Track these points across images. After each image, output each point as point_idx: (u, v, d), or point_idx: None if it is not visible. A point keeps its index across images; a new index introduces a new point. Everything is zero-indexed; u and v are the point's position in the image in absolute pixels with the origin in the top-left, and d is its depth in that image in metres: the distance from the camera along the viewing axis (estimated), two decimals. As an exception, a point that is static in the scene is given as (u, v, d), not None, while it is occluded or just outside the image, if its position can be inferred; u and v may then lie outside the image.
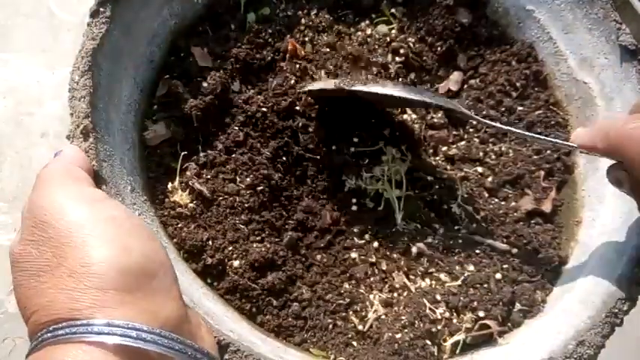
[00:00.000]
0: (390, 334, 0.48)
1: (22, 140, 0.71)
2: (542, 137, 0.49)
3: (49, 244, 0.31)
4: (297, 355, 0.46)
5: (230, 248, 0.50)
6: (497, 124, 0.50)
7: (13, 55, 0.75)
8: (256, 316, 0.48)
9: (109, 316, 0.29)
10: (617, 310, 0.43)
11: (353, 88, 0.50)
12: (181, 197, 0.51)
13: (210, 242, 0.49)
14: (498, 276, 0.51)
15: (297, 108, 0.55)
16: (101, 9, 0.47)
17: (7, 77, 0.74)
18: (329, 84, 0.53)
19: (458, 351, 0.48)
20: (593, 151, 0.43)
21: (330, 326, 0.49)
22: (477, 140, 0.58)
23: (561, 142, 0.47)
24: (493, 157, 0.57)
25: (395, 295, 0.51)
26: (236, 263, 0.49)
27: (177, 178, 0.52)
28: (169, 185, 0.52)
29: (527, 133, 0.49)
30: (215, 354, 0.36)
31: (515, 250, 0.53)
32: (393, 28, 0.61)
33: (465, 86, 0.60)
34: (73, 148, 0.41)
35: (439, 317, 0.49)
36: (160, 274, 0.32)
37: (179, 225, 0.50)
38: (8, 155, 0.70)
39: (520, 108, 0.58)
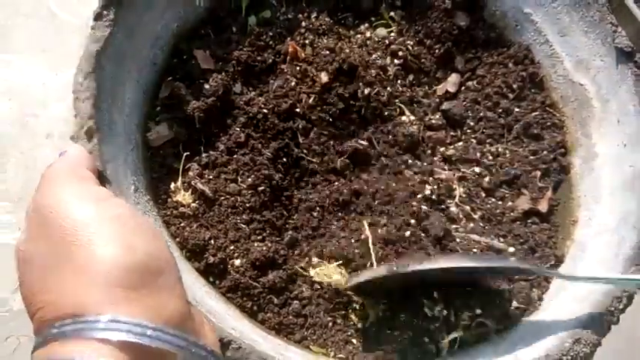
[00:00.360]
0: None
1: (27, 141, 0.71)
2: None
3: (55, 242, 0.31)
4: (297, 353, 0.47)
5: (232, 247, 0.50)
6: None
7: (15, 57, 0.75)
8: (257, 314, 0.49)
9: (114, 312, 0.29)
10: (613, 309, 0.44)
11: (410, 270, 0.45)
12: (184, 197, 0.51)
13: (212, 241, 0.50)
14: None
15: (298, 110, 0.56)
16: (105, 12, 0.48)
17: (10, 78, 0.74)
18: (379, 272, 0.47)
19: (455, 349, 0.49)
20: None
21: (330, 324, 0.50)
22: (474, 141, 0.59)
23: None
24: (490, 157, 0.58)
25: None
26: (237, 262, 0.50)
27: (180, 179, 0.52)
28: (172, 185, 0.52)
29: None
30: (218, 351, 0.36)
31: (511, 249, 0.53)
32: (391, 31, 0.61)
33: (463, 88, 0.61)
34: (77, 147, 0.41)
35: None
36: (165, 271, 0.33)
37: (181, 224, 0.51)
38: (13, 156, 0.70)
39: (517, 109, 0.59)
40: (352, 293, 0.50)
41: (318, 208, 0.54)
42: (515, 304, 0.50)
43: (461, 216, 0.55)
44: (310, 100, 0.56)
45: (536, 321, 0.49)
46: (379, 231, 0.52)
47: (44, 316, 0.30)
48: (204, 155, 0.53)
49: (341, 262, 0.51)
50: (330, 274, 0.51)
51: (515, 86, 0.59)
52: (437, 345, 0.49)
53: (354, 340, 0.50)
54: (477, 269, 0.46)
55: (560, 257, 0.52)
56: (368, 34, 0.61)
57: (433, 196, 0.55)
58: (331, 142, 0.57)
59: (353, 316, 0.51)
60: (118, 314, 0.29)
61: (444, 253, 0.51)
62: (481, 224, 0.55)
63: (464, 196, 0.55)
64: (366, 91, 0.57)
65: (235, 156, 0.54)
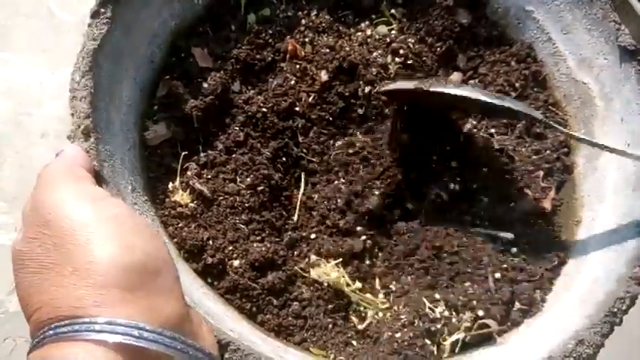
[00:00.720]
0: (390, 334, 0.48)
1: (22, 140, 0.71)
2: None
3: (53, 242, 0.31)
4: (297, 355, 0.46)
5: (230, 248, 0.50)
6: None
7: (13, 56, 0.75)
8: (256, 315, 0.49)
9: (111, 314, 0.29)
10: (616, 310, 0.43)
11: (434, 89, 0.50)
12: (182, 197, 0.51)
13: (210, 242, 0.50)
14: (497, 275, 0.51)
15: (297, 109, 0.55)
16: (102, 9, 0.47)
17: (6, 77, 0.74)
18: (408, 84, 0.54)
19: (457, 350, 0.48)
20: None
21: (330, 325, 0.49)
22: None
23: None
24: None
25: (393, 296, 0.51)
26: (236, 263, 0.49)
27: (178, 178, 0.52)
28: (170, 185, 0.52)
29: None
30: (216, 353, 0.36)
31: (514, 250, 0.53)
32: (392, 29, 0.61)
33: (465, 86, 0.60)
34: (74, 147, 0.41)
35: (438, 316, 0.49)
36: (163, 272, 0.32)
37: (179, 225, 0.50)
38: (8, 155, 0.70)
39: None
40: (383, 96, 0.56)
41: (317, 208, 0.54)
42: (517, 305, 0.50)
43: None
44: (310, 99, 0.56)
45: (539, 322, 0.49)
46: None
47: (41, 317, 0.30)
48: (202, 155, 0.53)
49: (340, 260, 0.51)
50: (328, 272, 0.50)
51: (517, 85, 0.59)
52: (438, 346, 0.48)
53: (354, 342, 0.49)
54: (495, 106, 0.49)
55: (563, 258, 0.52)
56: (369, 32, 0.60)
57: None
58: (331, 142, 0.56)
59: (353, 318, 0.50)
60: (115, 316, 0.29)
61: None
62: (486, 223, 0.54)
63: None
64: (367, 89, 0.57)
65: (234, 155, 0.53)
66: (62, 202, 0.33)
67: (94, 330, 0.28)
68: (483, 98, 0.49)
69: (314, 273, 0.50)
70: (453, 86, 0.51)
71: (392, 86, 0.55)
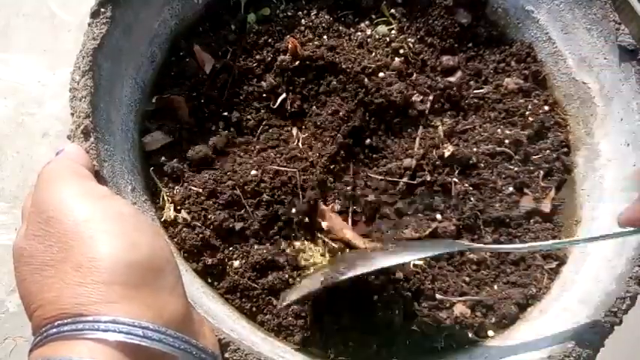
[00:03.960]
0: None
1: (23, 140, 0.71)
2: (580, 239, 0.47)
3: (56, 240, 0.31)
4: (296, 354, 0.46)
5: (230, 249, 0.50)
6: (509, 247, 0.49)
7: (13, 56, 0.75)
8: (256, 315, 0.49)
9: (114, 311, 0.28)
10: (616, 310, 0.43)
11: (344, 278, 0.42)
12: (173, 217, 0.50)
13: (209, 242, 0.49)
14: (497, 275, 0.51)
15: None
16: (102, 9, 0.47)
17: (7, 77, 0.74)
18: (314, 284, 0.44)
19: (457, 350, 0.48)
20: None
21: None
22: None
23: (620, 233, 0.42)
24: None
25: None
26: (236, 263, 0.49)
27: (167, 205, 0.50)
28: (165, 192, 0.51)
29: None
30: (217, 353, 0.36)
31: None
32: (392, 29, 0.61)
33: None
34: (74, 146, 0.41)
35: (440, 317, 0.49)
36: (166, 270, 0.32)
37: (179, 225, 0.50)
38: (9, 155, 0.70)
39: (519, 108, 0.58)
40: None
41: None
42: (517, 305, 0.50)
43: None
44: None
45: (538, 322, 0.48)
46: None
47: (43, 314, 0.30)
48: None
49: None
50: (314, 255, 0.50)
51: (517, 85, 0.58)
52: (438, 346, 0.48)
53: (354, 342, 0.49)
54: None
55: (563, 257, 0.52)
56: (368, 32, 0.60)
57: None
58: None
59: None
60: (119, 314, 0.28)
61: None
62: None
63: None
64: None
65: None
66: (65, 199, 0.33)
67: (97, 329, 0.28)
68: (402, 260, 0.43)
69: (301, 260, 0.50)
70: (366, 261, 0.43)
71: (294, 296, 0.45)
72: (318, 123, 0.55)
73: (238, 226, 0.50)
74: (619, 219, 0.41)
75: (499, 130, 0.57)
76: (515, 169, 0.55)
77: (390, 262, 0.43)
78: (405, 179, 0.54)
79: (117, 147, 0.47)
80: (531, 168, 0.56)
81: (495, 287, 0.51)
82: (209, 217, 0.50)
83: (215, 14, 0.59)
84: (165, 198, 0.50)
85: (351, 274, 0.42)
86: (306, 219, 0.51)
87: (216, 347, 0.37)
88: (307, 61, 0.56)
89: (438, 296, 0.50)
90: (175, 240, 0.49)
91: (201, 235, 0.49)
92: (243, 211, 0.51)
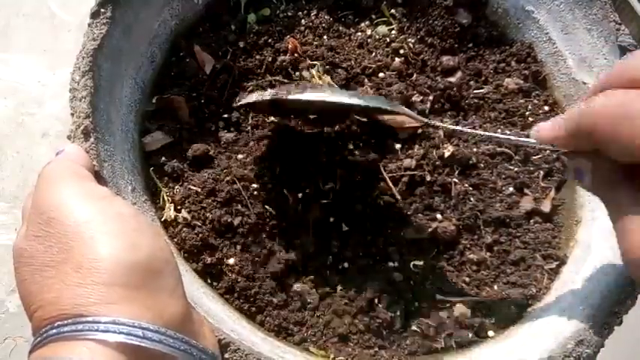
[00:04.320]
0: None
1: (23, 140, 0.71)
2: (502, 135, 0.46)
3: (56, 240, 0.31)
4: (296, 354, 0.46)
5: (226, 242, 0.50)
6: (458, 127, 0.47)
7: (13, 56, 0.75)
8: (256, 315, 0.49)
9: (114, 312, 0.29)
10: (616, 309, 0.43)
11: (291, 97, 0.43)
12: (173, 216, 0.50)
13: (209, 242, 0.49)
14: (498, 275, 0.51)
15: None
16: (102, 10, 0.47)
17: (7, 77, 0.74)
18: (264, 94, 0.47)
19: (457, 350, 0.48)
20: (556, 142, 0.37)
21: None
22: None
23: (523, 140, 0.41)
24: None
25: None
26: (231, 261, 0.49)
27: (167, 205, 0.50)
28: (166, 193, 0.51)
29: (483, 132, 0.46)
30: (218, 353, 0.36)
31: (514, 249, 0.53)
32: (392, 29, 0.61)
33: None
34: (74, 146, 0.41)
35: (441, 315, 0.49)
36: (166, 272, 0.32)
37: (179, 226, 0.50)
38: (9, 155, 0.70)
39: (519, 108, 0.58)
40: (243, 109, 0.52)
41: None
42: (517, 305, 0.50)
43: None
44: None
45: (538, 322, 0.48)
46: None
47: (43, 315, 0.30)
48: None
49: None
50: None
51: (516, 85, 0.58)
52: (438, 346, 0.48)
53: (354, 342, 0.49)
54: (360, 107, 0.44)
55: (564, 257, 0.52)
56: (368, 32, 0.60)
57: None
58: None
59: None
60: (119, 315, 0.29)
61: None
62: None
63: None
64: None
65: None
66: (65, 200, 0.33)
67: (98, 330, 0.28)
68: (346, 100, 0.43)
69: None
70: (316, 90, 0.44)
71: (247, 99, 0.49)
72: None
73: (237, 221, 0.50)
74: (532, 133, 0.39)
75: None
76: (515, 169, 0.56)
77: (338, 99, 0.43)
78: (405, 179, 0.54)
79: (117, 147, 0.47)
80: (531, 168, 0.56)
81: (495, 287, 0.51)
82: (208, 215, 0.50)
83: (215, 14, 0.59)
84: (166, 198, 0.50)
85: (298, 95, 0.44)
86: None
87: (217, 348, 0.37)
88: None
89: (438, 296, 0.50)
90: (175, 240, 0.49)
91: (201, 235, 0.49)
92: (240, 206, 0.51)
